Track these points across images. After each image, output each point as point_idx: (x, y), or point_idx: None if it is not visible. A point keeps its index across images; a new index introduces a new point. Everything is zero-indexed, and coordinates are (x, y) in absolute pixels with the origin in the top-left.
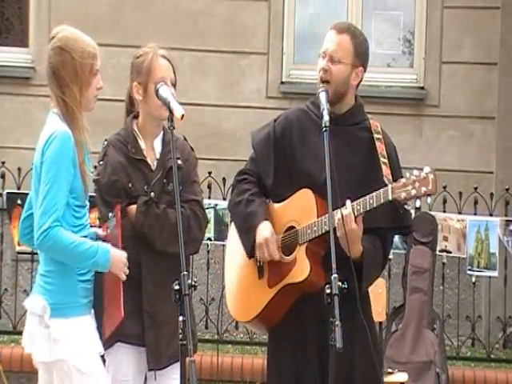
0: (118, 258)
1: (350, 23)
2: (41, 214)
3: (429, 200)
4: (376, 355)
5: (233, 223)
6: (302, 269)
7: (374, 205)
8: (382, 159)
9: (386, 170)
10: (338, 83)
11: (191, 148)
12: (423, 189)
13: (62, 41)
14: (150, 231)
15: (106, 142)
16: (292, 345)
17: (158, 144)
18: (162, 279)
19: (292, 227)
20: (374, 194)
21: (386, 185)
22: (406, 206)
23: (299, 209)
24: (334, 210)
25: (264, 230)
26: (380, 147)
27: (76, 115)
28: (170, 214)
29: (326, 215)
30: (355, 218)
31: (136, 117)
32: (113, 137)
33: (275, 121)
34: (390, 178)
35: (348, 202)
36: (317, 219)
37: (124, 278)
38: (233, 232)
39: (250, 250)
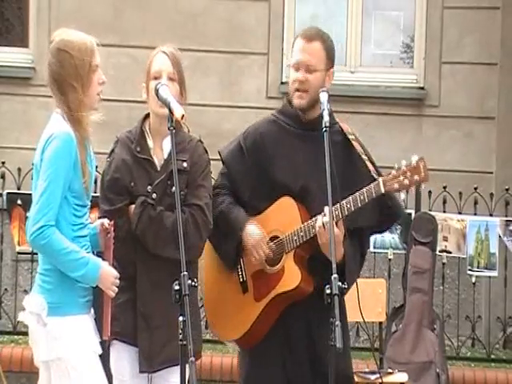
0: (107, 275)
1: (317, 28)
2: (36, 211)
3: (423, 186)
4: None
5: (208, 243)
6: (292, 276)
7: (366, 200)
8: (363, 157)
9: (371, 166)
10: (315, 90)
11: (205, 151)
12: (416, 177)
13: (59, 42)
14: (142, 234)
15: (116, 138)
16: (279, 350)
17: (167, 144)
18: (158, 280)
19: (275, 237)
20: (365, 189)
21: (376, 179)
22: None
23: (281, 217)
24: (316, 215)
25: (254, 231)
26: (357, 147)
27: (79, 114)
28: (166, 217)
29: (312, 219)
30: (337, 222)
31: (149, 115)
32: (123, 134)
33: (243, 134)
34: (376, 172)
35: (325, 208)
36: (302, 225)
37: (112, 295)
38: (208, 250)
39: (234, 257)
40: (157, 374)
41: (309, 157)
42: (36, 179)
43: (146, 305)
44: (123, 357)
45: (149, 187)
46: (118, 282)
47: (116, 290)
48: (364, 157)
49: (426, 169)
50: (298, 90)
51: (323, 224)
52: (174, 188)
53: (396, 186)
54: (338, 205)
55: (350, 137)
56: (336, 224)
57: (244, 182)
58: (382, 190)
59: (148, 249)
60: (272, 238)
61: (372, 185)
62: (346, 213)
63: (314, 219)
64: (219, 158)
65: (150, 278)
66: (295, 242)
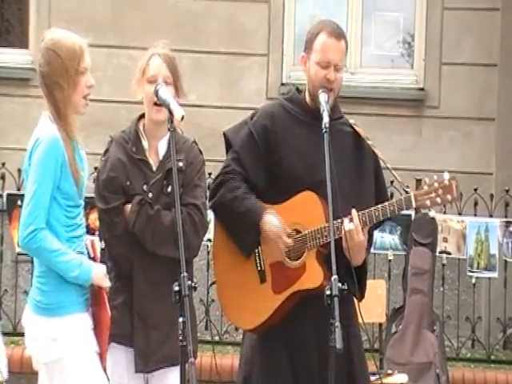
0: (98, 272)
1: (337, 23)
2: (27, 214)
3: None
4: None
5: (219, 224)
6: (315, 275)
7: (396, 212)
8: (368, 142)
9: (377, 151)
10: (339, 88)
11: (200, 151)
12: (448, 196)
13: (48, 42)
14: (140, 232)
15: (110, 138)
16: (288, 350)
17: (162, 145)
18: (155, 279)
19: (296, 231)
20: (395, 200)
21: (407, 192)
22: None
23: (304, 212)
24: (339, 216)
25: (274, 221)
26: (361, 132)
27: (65, 115)
28: (164, 216)
29: (338, 221)
30: (362, 228)
31: (143, 116)
32: (117, 134)
33: (252, 118)
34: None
35: (354, 212)
36: (326, 224)
37: (108, 284)
38: (220, 234)
39: (250, 247)
40: (153, 376)
41: (320, 148)
42: (27, 184)
43: (143, 304)
44: (121, 359)
45: (145, 186)
46: (106, 274)
47: (109, 282)
48: (388, 165)
49: (458, 189)
50: (325, 87)
51: (349, 230)
52: (170, 187)
53: (427, 202)
54: (366, 211)
55: (369, 142)
56: (362, 230)
57: (258, 172)
58: (414, 205)
59: (146, 247)
60: (292, 232)
61: (403, 198)
62: (375, 221)
63: (339, 221)
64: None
65: (146, 277)
66: (318, 240)
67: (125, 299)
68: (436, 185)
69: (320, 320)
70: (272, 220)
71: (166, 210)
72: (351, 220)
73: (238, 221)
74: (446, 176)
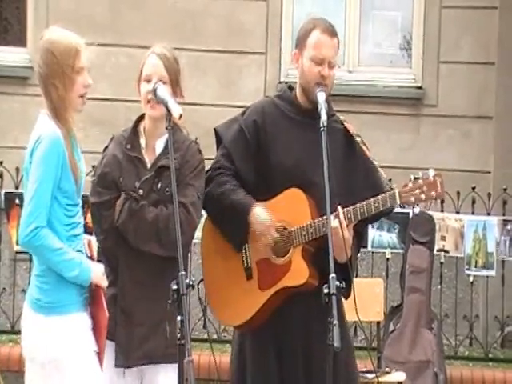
0: (97, 274)
1: (329, 21)
2: (28, 213)
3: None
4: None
5: (208, 221)
6: (299, 272)
7: (380, 208)
8: (357, 138)
9: (366, 150)
10: (332, 85)
11: (199, 151)
12: (432, 193)
13: (46, 41)
14: (123, 226)
15: (112, 136)
16: (276, 346)
17: (160, 144)
18: (140, 279)
19: (282, 228)
20: (380, 197)
21: (392, 188)
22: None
23: (290, 210)
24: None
25: (262, 214)
26: (350, 128)
27: (62, 113)
28: (148, 212)
29: (323, 217)
30: (347, 225)
31: (145, 115)
32: (119, 132)
33: (243, 114)
34: (372, 156)
35: (339, 209)
36: (312, 221)
37: (106, 284)
38: (208, 231)
39: (240, 240)
40: (147, 372)
41: (310, 147)
42: (26, 182)
43: (127, 301)
44: (109, 354)
45: (136, 183)
46: (104, 273)
47: (106, 282)
48: (357, 138)
49: (443, 185)
50: (319, 83)
51: (340, 224)
52: (159, 184)
53: (412, 199)
54: (351, 208)
55: (358, 139)
56: (346, 227)
57: (248, 168)
58: (398, 202)
59: (129, 242)
60: (278, 229)
61: (387, 194)
62: (359, 217)
63: (324, 217)
64: (215, 137)
65: (131, 275)
66: (304, 237)
67: (112, 294)
68: (421, 181)
69: (307, 317)
70: (260, 213)
71: (154, 206)
72: (336, 217)
73: (226, 214)
74: (431, 173)
